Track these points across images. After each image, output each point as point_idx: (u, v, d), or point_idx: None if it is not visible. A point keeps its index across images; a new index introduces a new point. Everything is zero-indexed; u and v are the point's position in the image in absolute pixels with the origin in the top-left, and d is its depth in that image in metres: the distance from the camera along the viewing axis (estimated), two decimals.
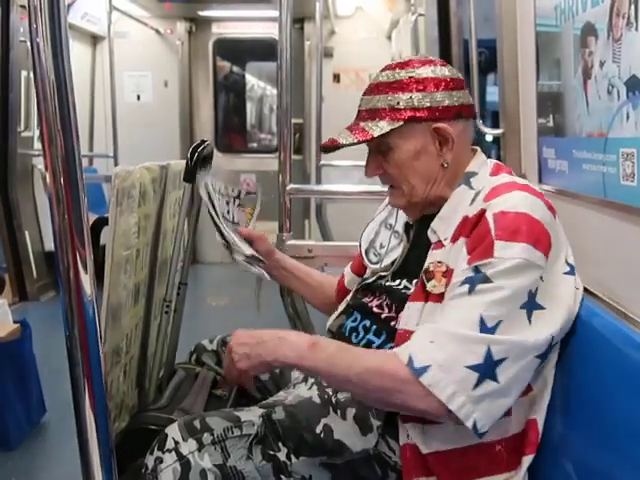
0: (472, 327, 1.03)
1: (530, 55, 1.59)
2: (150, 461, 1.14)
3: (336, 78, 5.78)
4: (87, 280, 0.77)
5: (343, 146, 1.25)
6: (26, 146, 4.41)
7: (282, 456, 1.14)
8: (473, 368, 1.01)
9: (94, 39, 5.64)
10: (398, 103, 1.20)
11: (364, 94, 1.27)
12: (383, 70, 1.26)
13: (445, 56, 3.01)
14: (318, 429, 1.17)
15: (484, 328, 1.03)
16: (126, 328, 1.36)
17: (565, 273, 1.11)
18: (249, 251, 1.50)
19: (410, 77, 1.21)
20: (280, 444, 1.15)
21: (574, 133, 1.34)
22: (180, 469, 1.11)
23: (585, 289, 1.28)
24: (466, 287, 1.06)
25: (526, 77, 1.68)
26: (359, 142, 1.22)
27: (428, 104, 1.20)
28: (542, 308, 1.05)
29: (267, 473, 1.13)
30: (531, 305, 1.05)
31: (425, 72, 1.21)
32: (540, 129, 1.58)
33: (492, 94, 5.83)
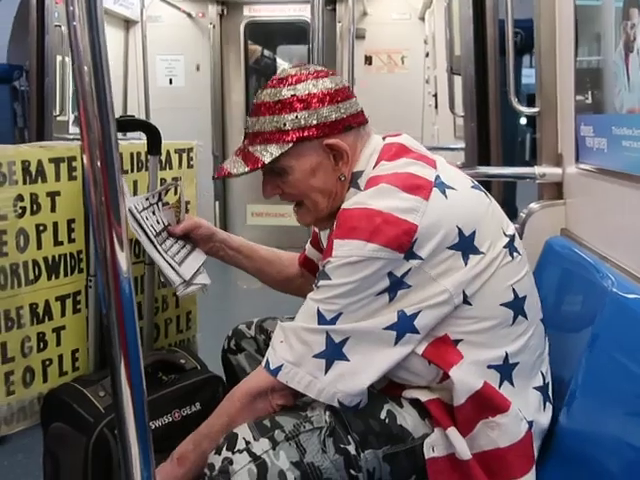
0: (312, 321, 1.12)
1: (569, 30, 1.55)
2: (217, 461, 1.09)
3: (368, 60, 5.72)
4: (123, 258, 0.78)
5: (236, 176, 1.24)
6: (62, 130, 4.47)
7: (352, 449, 1.12)
8: (319, 356, 1.11)
9: (127, 23, 5.67)
10: (285, 125, 1.19)
11: (250, 115, 1.25)
12: (265, 87, 1.23)
13: (480, 37, 2.95)
14: (382, 415, 1.16)
15: (323, 321, 1.11)
16: (22, 297, 1.40)
17: (450, 247, 1.10)
18: (187, 273, 1.48)
19: (293, 95, 1.19)
20: (349, 437, 1.13)
21: (614, 109, 1.31)
22: (257, 471, 1.06)
23: (625, 270, 1.26)
24: (315, 282, 1.15)
25: (564, 53, 1.64)
26: (251, 170, 1.22)
27: (315, 122, 1.18)
28: (408, 287, 1.09)
29: (339, 467, 1.11)
30: (396, 286, 1.09)
31: (306, 87, 1.19)
32: (578, 106, 1.54)
33: (527, 77, 5.71)
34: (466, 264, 1.11)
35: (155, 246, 1.46)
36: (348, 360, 1.10)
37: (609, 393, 1.14)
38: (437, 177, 1.16)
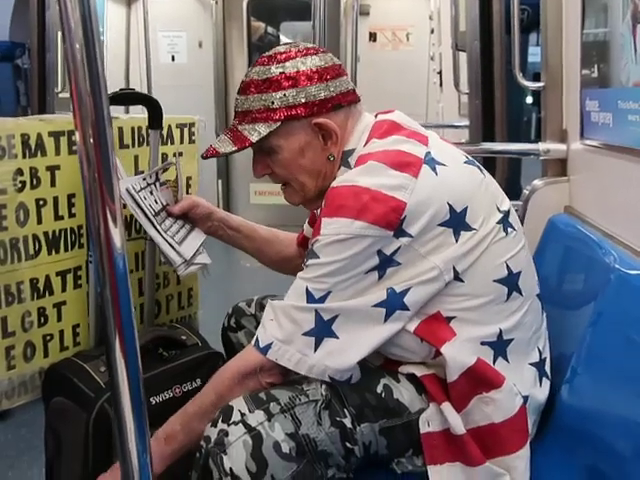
0: (301, 300, 1.11)
1: (575, 3, 1.52)
2: (213, 434, 1.08)
3: (372, 37, 5.67)
4: (117, 234, 0.78)
5: (224, 155, 1.23)
6: (64, 107, 4.44)
7: (348, 422, 1.12)
8: (309, 334, 1.11)
9: None
10: (273, 103, 1.18)
11: (238, 93, 1.23)
12: (254, 65, 1.22)
13: (486, 13, 2.91)
14: (379, 389, 1.16)
15: (311, 300, 1.11)
16: (23, 272, 1.40)
17: (440, 224, 1.09)
18: (187, 252, 1.48)
19: (281, 73, 1.18)
20: (345, 410, 1.13)
21: (620, 83, 1.29)
22: (252, 442, 1.05)
23: (628, 246, 1.25)
24: (304, 260, 1.14)
25: (570, 26, 1.61)
26: (238, 150, 1.21)
27: (303, 100, 1.17)
28: (398, 264, 1.09)
29: (335, 440, 1.11)
30: (386, 264, 1.09)
31: (295, 65, 1.18)
32: (583, 81, 1.52)
33: (533, 55, 5.64)
34: (457, 241, 1.10)
35: (154, 226, 1.45)
36: (337, 337, 1.10)
37: (612, 369, 1.13)
38: (427, 154, 1.14)
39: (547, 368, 1.24)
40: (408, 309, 1.11)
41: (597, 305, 1.20)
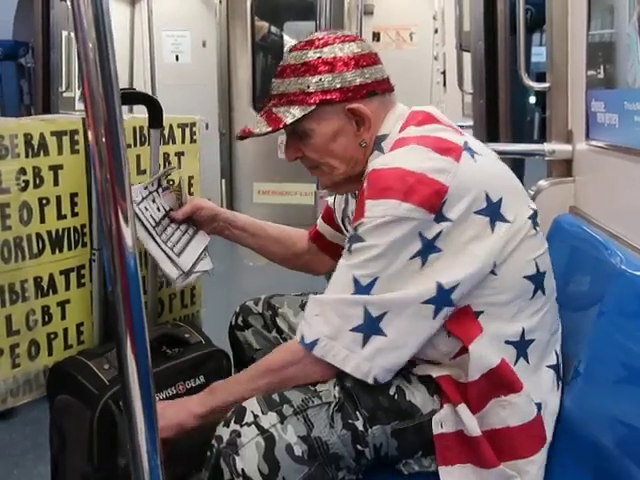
0: (347, 289, 1.09)
1: (581, 3, 1.51)
2: (225, 434, 1.08)
3: (376, 37, 5.66)
4: (129, 233, 0.79)
5: (258, 135, 1.23)
6: (68, 106, 4.45)
7: (360, 425, 1.12)
8: (357, 329, 1.09)
9: None
10: (308, 87, 1.19)
11: (275, 77, 1.25)
12: (292, 50, 1.23)
13: (490, 12, 2.90)
14: (392, 391, 1.16)
15: (359, 288, 1.09)
16: (27, 270, 1.41)
17: (477, 212, 1.09)
18: (187, 263, 1.47)
19: (318, 58, 1.19)
20: (357, 412, 1.12)
21: (626, 84, 1.28)
22: (264, 444, 1.06)
23: (634, 247, 1.25)
24: (347, 247, 1.13)
25: (576, 27, 1.61)
26: (273, 131, 1.22)
27: (339, 85, 1.18)
28: (439, 251, 1.08)
29: (346, 443, 1.11)
30: (427, 250, 1.08)
31: (333, 51, 1.19)
32: (589, 81, 1.51)
33: (536, 55, 5.63)
34: (493, 231, 1.10)
35: (154, 239, 1.44)
36: (385, 335, 1.09)
37: (617, 371, 1.13)
38: (465, 142, 1.15)
39: (562, 372, 1.24)
40: (454, 305, 1.11)
41: (603, 306, 1.19)
